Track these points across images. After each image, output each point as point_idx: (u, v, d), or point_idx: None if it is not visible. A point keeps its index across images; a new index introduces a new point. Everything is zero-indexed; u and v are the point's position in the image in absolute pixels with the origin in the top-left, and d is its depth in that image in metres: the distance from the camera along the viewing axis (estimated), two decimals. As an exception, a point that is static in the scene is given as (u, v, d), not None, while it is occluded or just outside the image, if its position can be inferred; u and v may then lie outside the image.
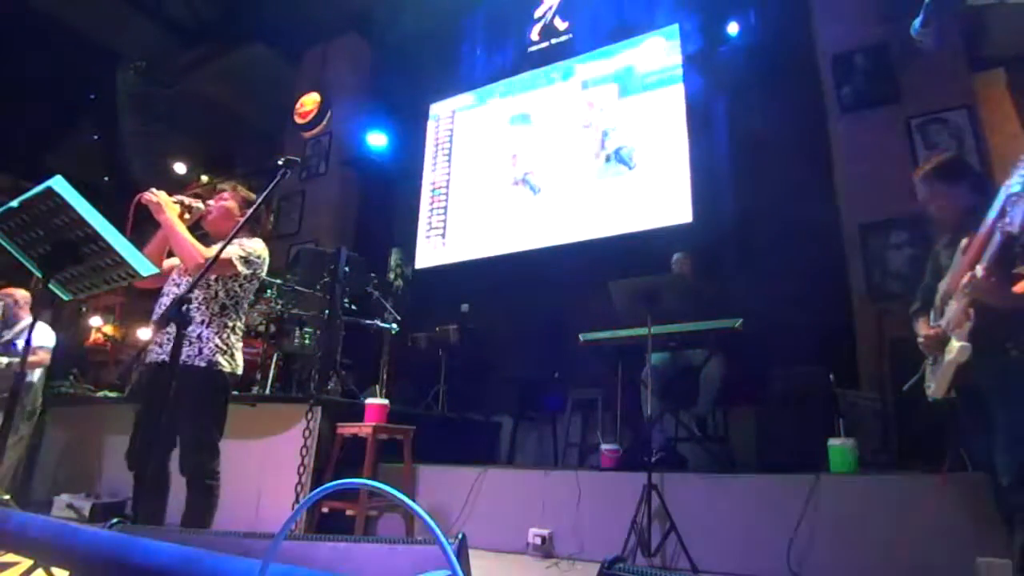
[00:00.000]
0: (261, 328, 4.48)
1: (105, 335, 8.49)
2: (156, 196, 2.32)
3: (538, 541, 3.10)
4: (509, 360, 4.94)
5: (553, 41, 5.75)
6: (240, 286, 2.42)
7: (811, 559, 2.52)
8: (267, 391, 4.08)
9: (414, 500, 0.72)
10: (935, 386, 1.96)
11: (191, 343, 2.26)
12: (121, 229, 1.83)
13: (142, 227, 2.29)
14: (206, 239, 2.48)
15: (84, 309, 7.19)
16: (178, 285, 2.40)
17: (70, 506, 4.06)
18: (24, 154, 7.69)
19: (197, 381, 2.24)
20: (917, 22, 2.83)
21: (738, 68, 4.58)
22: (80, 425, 4.76)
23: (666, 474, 2.93)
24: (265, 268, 2.53)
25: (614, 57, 5.24)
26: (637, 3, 5.23)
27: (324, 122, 6.71)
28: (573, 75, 5.45)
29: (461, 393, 4.89)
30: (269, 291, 4.36)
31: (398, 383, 4.79)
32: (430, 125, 6.24)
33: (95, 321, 8.49)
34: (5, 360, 4.05)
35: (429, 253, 5.77)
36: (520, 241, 5.19)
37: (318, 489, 0.68)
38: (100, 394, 4.92)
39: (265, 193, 2.11)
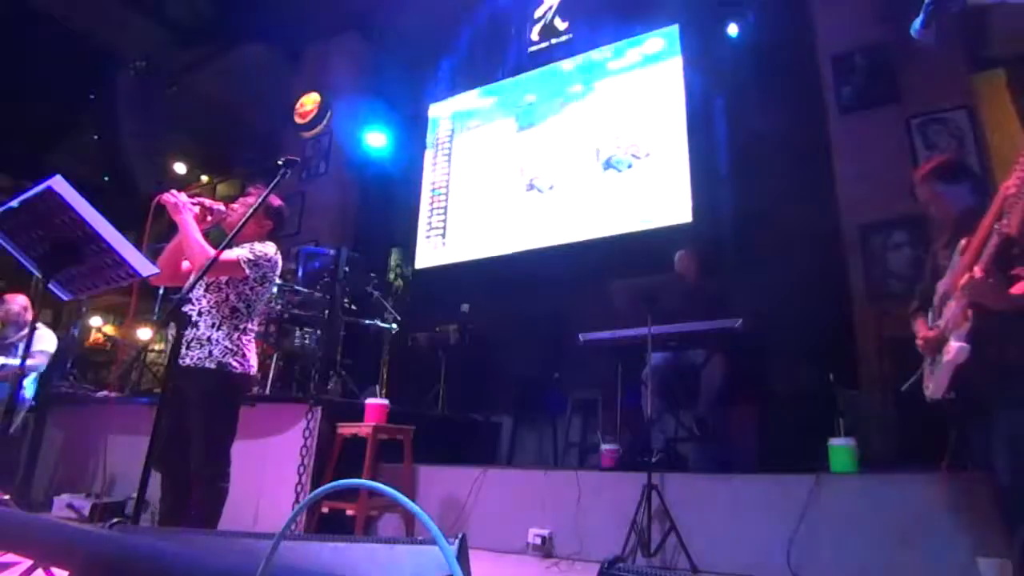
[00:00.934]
0: (261, 328, 4.48)
1: (105, 335, 8.49)
2: (175, 197, 2.35)
3: (538, 541, 3.10)
4: (509, 360, 4.94)
5: (553, 41, 5.75)
6: (251, 289, 2.42)
7: (811, 559, 2.52)
8: (267, 391, 4.08)
9: (414, 500, 0.72)
10: (933, 387, 1.96)
11: (202, 345, 2.28)
12: (126, 228, 1.83)
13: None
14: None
15: (84, 309, 7.18)
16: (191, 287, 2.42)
17: (70, 506, 4.06)
18: (24, 154, 7.69)
19: (207, 383, 2.26)
20: (917, 22, 2.83)
21: (738, 68, 4.58)
22: (80, 425, 4.76)
23: (666, 474, 2.93)
24: (277, 271, 2.54)
25: (614, 57, 5.24)
26: (637, 3, 5.23)
27: (324, 122, 6.70)
28: (573, 74, 5.45)
29: (461, 393, 4.89)
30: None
31: (398, 383, 4.79)
32: (430, 125, 6.24)
33: (95, 321, 8.50)
34: (1, 360, 4.10)
35: (429, 253, 5.77)
36: (520, 241, 5.19)
37: (318, 489, 0.68)
38: (100, 394, 4.92)
39: (266, 193, 2.11)
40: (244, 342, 2.39)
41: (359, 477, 2.78)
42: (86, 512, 4.00)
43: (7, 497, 2.60)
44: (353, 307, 4.64)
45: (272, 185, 1.99)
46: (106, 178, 8.34)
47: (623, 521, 2.78)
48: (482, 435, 4.84)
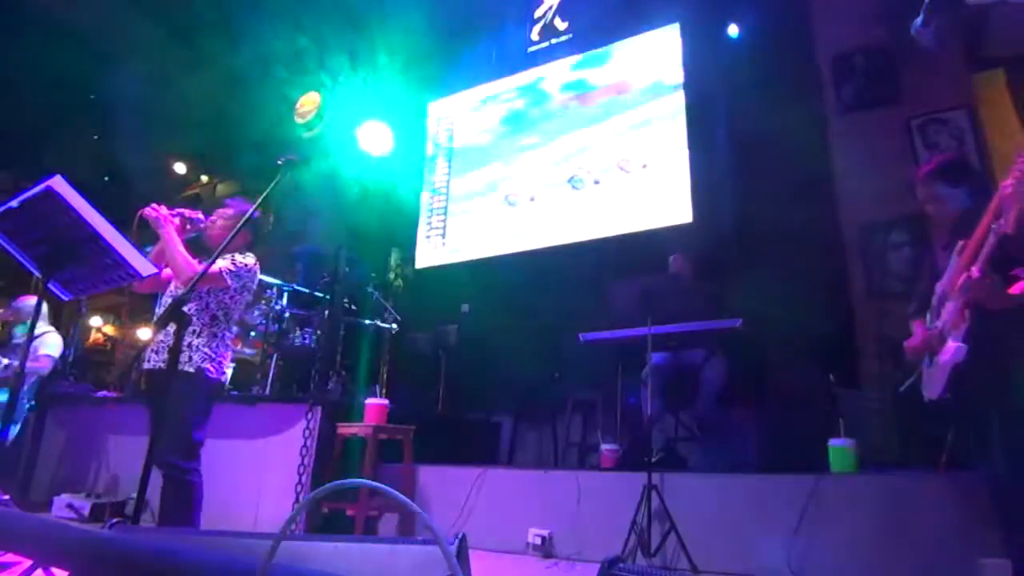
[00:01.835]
0: (261, 328, 4.48)
1: (105, 335, 8.49)
2: (156, 211, 2.44)
3: (538, 541, 3.10)
4: (509, 360, 4.94)
5: (553, 41, 5.75)
6: (230, 298, 2.54)
7: (811, 559, 2.52)
8: (267, 391, 4.08)
9: (414, 500, 0.72)
10: (931, 387, 1.97)
11: (183, 351, 2.37)
12: (122, 231, 1.83)
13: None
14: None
15: (84, 309, 7.18)
16: (173, 295, 2.51)
17: (70, 506, 4.06)
18: (24, 154, 7.68)
19: (185, 384, 2.35)
20: (917, 22, 2.83)
21: (738, 68, 4.57)
22: (80, 425, 4.76)
23: (666, 474, 2.93)
24: (255, 281, 2.64)
25: (614, 56, 5.24)
26: (637, 3, 5.22)
27: (323, 121, 6.70)
28: (572, 74, 5.45)
29: (461, 393, 4.89)
30: (269, 291, 4.36)
31: (398, 383, 4.79)
32: (430, 125, 6.24)
33: (95, 321, 8.50)
34: (4, 361, 4.10)
35: (429, 253, 5.77)
36: (520, 241, 5.18)
37: (318, 489, 0.68)
38: (100, 394, 4.92)
39: (265, 193, 2.11)
40: (221, 351, 2.50)
41: (359, 477, 2.78)
42: (86, 512, 4.00)
43: (7, 497, 2.60)
44: (353, 307, 4.64)
45: (272, 185, 1.99)
46: (106, 178, 8.34)
47: (623, 521, 2.78)
48: (482, 435, 4.84)
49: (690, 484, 2.92)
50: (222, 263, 2.45)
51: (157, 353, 2.43)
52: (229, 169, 8.47)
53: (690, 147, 4.58)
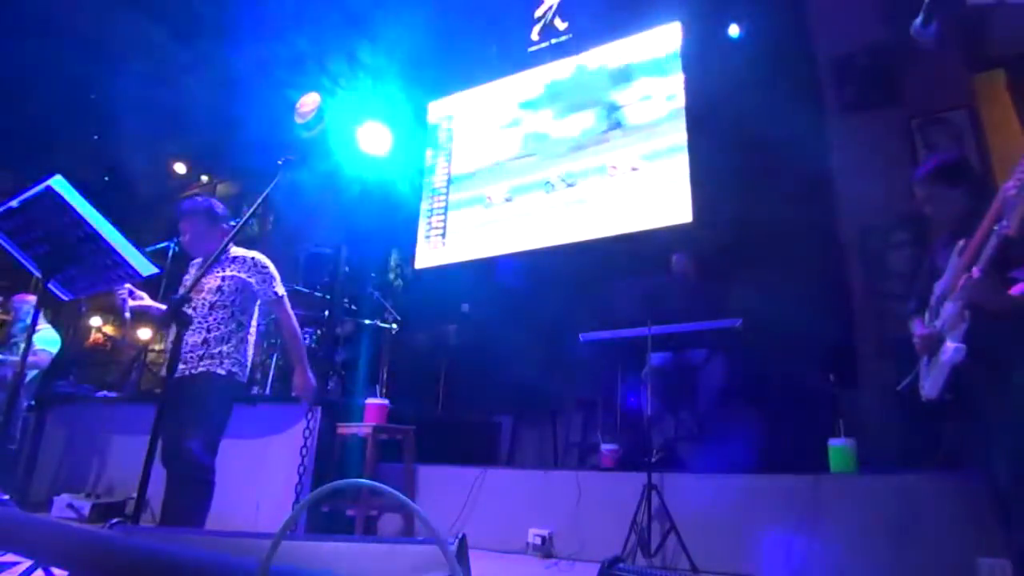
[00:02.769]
0: (261, 328, 4.48)
1: (105, 335, 8.48)
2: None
3: (538, 541, 3.10)
4: (509, 360, 4.94)
5: (553, 41, 5.75)
6: (254, 303, 2.61)
7: (811, 559, 2.52)
8: (267, 391, 4.08)
9: (414, 500, 0.72)
10: (929, 387, 1.97)
11: (212, 357, 2.42)
12: (126, 228, 1.83)
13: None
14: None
15: (84, 309, 7.18)
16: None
17: (70, 506, 4.06)
18: (24, 153, 7.68)
19: (216, 387, 2.39)
20: (917, 21, 2.83)
21: (738, 68, 4.57)
22: (80, 425, 4.76)
23: (666, 474, 2.93)
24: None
25: (613, 56, 5.24)
26: (637, 3, 5.22)
27: (323, 122, 6.69)
28: (572, 74, 5.45)
29: (461, 393, 4.89)
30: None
31: (398, 383, 4.79)
32: (429, 124, 6.24)
33: (95, 321, 8.49)
34: (1, 356, 4.11)
35: (429, 253, 5.77)
36: (520, 241, 5.18)
37: (318, 489, 0.68)
38: (100, 394, 4.92)
39: (265, 193, 2.11)
40: (246, 353, 2.56)
41: (359, 477, 2.78)
42: (86, 512, 4.00)
43: (7, 497, 2.60)
44: (353, 307, 4.64)
45: (272, 184, 1.99)
46: (106, 178, 8.33)
47: (623, 521, 2.78)
48: (482, 435, 4.84)
49: (690, 484, 2.92)
50: (278, 287, 2.58)
51: (186, 363, 2.42)
52: (229, 170, 8.47)
53: (690, 147, 4.58)
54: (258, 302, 2.60)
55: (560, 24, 5.76)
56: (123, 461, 4.34)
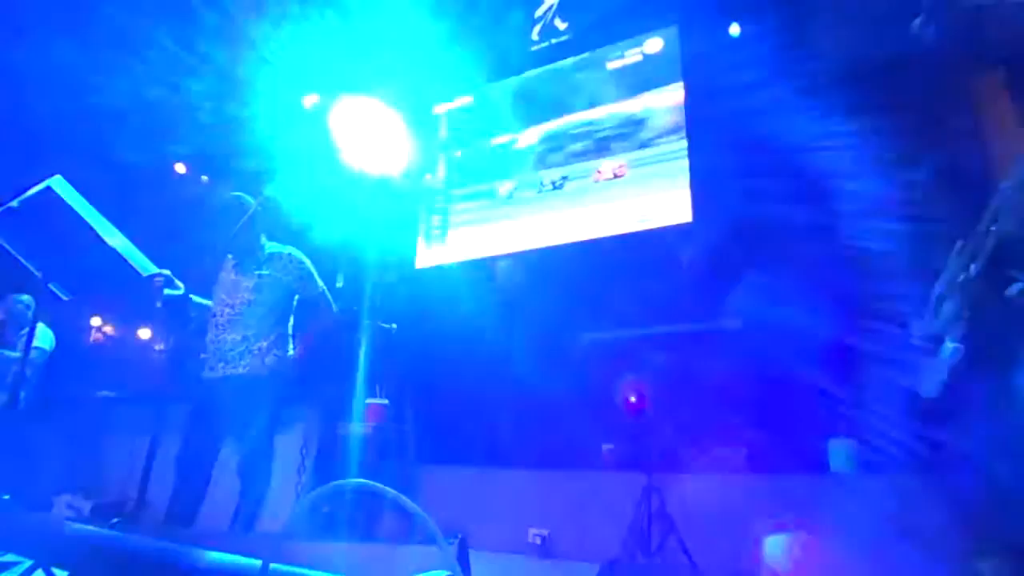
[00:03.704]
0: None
1: (105, 335, 8.48)
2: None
3: (538, 541, 3.10)
4: (509, 360, 4.94)
5: (553, 41, 5.75)
6: (291, 300, 2.64)
7: (811, 559, 2.52)
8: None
9: (414, 500, 0.72)
10: (929, 386, 1.97)
11: (254, 355, 2.44)
12: (122, 231, 1.83)
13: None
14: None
15: (84, 309, 7.17)
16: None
17: (70, 506, 4.06)
18: (24, 153, 7.67)
19: (261, 388, 2.42)
20: (917, 22, 2.84)
21: (738, 68, 4.57)
22: (80, 425, 4.76)
23: (666, 474, 2.93)
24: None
25: (613, 56, 5.24)
26: (637, 3, 5.22)
27: (323, 122, 6.69)
28: (572, 74, 5.45)
29: (461, 393, 4.89)
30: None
31: (398, 383, 4.78)
32: (429, 125, 6.24)
33: (95, 321, 8.48)
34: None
35: (429, 253, 5.77)
36: (520, 241, 5.18)
37: (318, 489, 0.68)
38: (100, 394, 4.92)
39: (265, 191, 2.12)
40: (286, 346, 2.58)
41: (359, 477, 2.79)
42: (86, 512, 4.00)
43: (7, 497, 2.60)
44: (353, 307, 4.63)
45: (271, 184, 2.00)
46: (106, 178, 8.32)
47: (623, 521, 2.78)
48: (482, 435, 4.84)
49: (690, 484, 2.92)
50: (320, 289, 2.64)
51: (227, 362, 2.42)
52: (229, 170, 8.46)
53: (690, 147, 4.58)
54: (296, 298, 2.62)
55: (560, 24, 5.77)
56: (123, 461, 4.34)
